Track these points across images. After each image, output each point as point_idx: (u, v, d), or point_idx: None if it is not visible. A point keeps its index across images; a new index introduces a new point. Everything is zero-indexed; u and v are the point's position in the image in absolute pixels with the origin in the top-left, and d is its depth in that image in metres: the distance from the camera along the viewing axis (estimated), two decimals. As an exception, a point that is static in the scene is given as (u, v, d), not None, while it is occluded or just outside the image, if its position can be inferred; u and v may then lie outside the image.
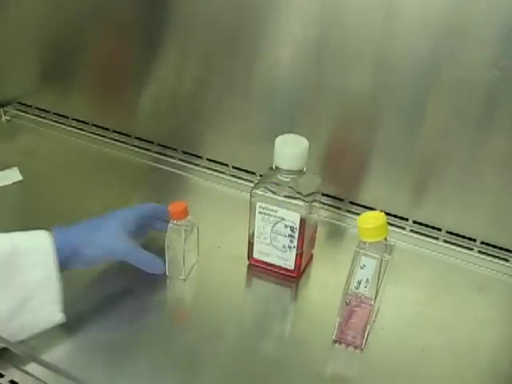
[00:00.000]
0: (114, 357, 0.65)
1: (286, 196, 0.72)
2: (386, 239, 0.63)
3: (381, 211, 0.64)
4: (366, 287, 0.63)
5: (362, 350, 0.67)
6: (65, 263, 0.64)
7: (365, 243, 0.62)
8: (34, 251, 0.62)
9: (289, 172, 0.71)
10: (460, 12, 0.72)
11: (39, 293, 0.62)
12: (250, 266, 0.79)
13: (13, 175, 0.95)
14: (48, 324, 0.64)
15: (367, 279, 0.63)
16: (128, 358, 0.65)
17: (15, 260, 0.61)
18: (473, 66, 0.74)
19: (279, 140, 0.71)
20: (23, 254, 0.61)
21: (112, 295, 0.73)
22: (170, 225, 0.72)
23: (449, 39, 0.74)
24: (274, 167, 0.72)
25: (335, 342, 0.68)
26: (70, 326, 0.66)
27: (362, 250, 0.62)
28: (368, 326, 0.66)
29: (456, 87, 0.76)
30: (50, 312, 0.64)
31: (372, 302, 0.64)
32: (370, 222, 0.61)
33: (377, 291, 0.64)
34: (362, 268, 0.63)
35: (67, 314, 0.64)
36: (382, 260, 0.62)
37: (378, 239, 0.62)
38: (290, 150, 0.70)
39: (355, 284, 0.63)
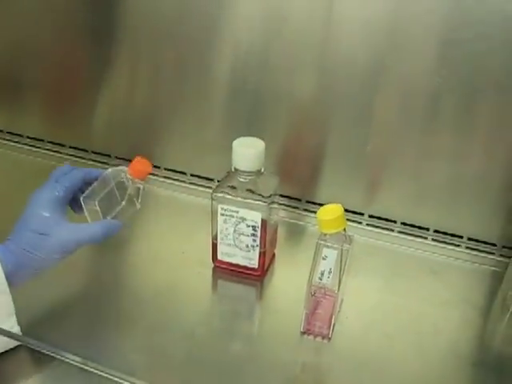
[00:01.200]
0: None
1: (245, 196, 0.74)
2: (344, 230, 0.66)
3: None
4: (328, 277, 0.65)
5: (330, 339, 0.70)
6: (17, 281, 0.63)
7: (325, 235, 0.65)
8: None
9: (247, 173, 0.74)
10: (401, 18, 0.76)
11: None
12: (215, 269, 0.81)
13: (-30, 196, 0.95)
14: (5, 342, 0.63)
15: (330, 269, 0.65)
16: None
17: None
18: (415, 66, 0.78)
19: (236, 142, 0.73)
20: None
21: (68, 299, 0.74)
22: (128, 182, 0.71)
23: (392, 43, 0.78)
24: (232, 169, 0.74)
25: (303, 333, 0.70)
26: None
27: (322, 242, 0.65)
28: (334, 316, 0.68)
29: (400, 88, 0.80)
30: (7, 328, 0.62)
31: (336, 292, 0.66)
32: (329, 213, 0.64)
33: (339, 281, 0.66)
34: (323, 259, 0.65)
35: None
36: (342, 250, 0.65)
37: (337, 230, 0.64)
38: (248, 150, 0.73)
39: (318, 275, 0.66)
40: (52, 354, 0.61)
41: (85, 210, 0.69)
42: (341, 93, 0.84)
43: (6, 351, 0.64)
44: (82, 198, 0.68)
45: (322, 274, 0.66)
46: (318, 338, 0.70)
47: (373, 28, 0.78)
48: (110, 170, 0.70)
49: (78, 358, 0.61)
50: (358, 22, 0.78)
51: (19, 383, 0.63)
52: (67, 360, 0.61)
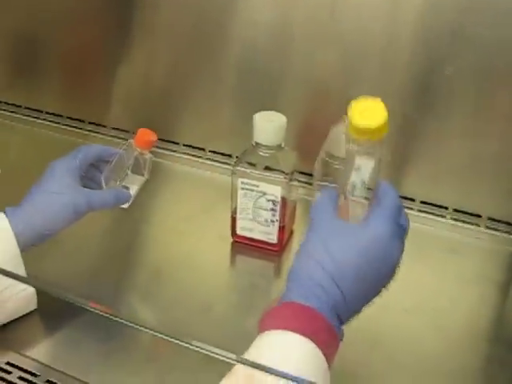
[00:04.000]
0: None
1: (266, 170, 0.74)
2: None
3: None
4: (361, 191, 0.52)
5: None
6: (26, 242, 0.64)
7: (360, 140, 0.50)
8: None
9: (268, 147, 0.74)
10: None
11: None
12: (233, 244, 0.81)
13: (-11, 169, 0.95)
14: (20, 303, 0.64)
15: (363, 182, 0.52)
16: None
17: None
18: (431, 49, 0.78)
19: (258, 116, 0.73)
20: None
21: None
22: (135, 152, 0.72)
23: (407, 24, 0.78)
24: (253, 143, 0.74)
25: None
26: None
27: (356, 148, 0.50)
28: None
29: (417, 69, 0.81)
30: (21, 288, 0.64)
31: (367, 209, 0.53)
32: (367, 115, 0.48)
33: (374, 194, 0.53)
34: (356, 170, 0.52)
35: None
36: (380, 160, 0.51)
37: (377, 138, 0.49)
38: (269, 124, 0.73)
39: (349, 188, 0.52)
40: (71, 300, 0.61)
41: (104, 188, 0.71)
42: (360, 70, 0.84)
43: (21, 317, 0.66)
44: (102, 178, 0.71)
45: (354, 187, 0.52)
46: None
47: (393, 8, 0.78)
48: (123, 147, 0.72)
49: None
50: (378, 6, 0.79)
51: (33, 347, 0.64)
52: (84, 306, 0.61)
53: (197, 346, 0.50)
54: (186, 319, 0.69)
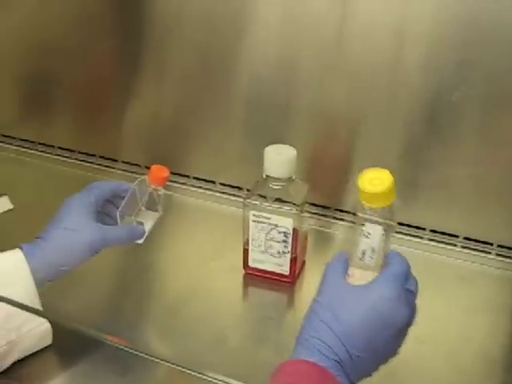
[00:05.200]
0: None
1: (277, 202, 0.75)
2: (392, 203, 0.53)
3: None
4: (371, 258, 0.54)
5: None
6: (43, 278, 0.65)
7: (369, 208, 0.53)
8: (8, 272, 0.63)
9: (279, 180, 0.75)
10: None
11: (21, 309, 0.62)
12: (245, 275, 0.82)
13: (3, 204, 0.96)
14: (36, 339, 0.65)
15: (373, 248, 0.54)
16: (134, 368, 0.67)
17: None
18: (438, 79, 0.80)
19: (269, 149, 0.74)
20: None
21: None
22: (149, 188, 0.73)
23: (416, 55, 0.80)
24: (264, 176, 0.75)
25: None
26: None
27: (366, 216, 0.54)
28: None
29: (424, 99, 0.82)
30: (36, 324, 0.64)
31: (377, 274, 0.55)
32: (375, 183, 0.52)
33: (383, 262, 0.55)
34: (366, 237, 0.54)
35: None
36: (388, 226, 0.54)
37: (385, 205, 0.52)
38: (280, 157, 0.74)
39: (359, 255, 0.55)
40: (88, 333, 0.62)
41: (119, 224, 0.73)
42: (367, 100, 0.85)
43: (36, 352, 0.66)
44: (117, 213, 0.72)
45: (364, 253, 0.54)
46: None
47: (400, 38, 0.79)
48: (136, 182, 0.73)
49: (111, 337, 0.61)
50: (383, 31, 0.80)
51: (48, 382, 0.65)
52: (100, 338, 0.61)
53: (211, 377, 0.50)
54: (200, 351, 0.69)
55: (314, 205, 0.93)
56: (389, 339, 0.51)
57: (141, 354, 0.65)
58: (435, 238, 0.89)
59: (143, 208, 0.74)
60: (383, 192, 0.51)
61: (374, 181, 0.52)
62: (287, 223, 0.75)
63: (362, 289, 0.52)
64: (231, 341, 0.72)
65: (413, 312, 0.53)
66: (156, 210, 0.75)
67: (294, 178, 0.76)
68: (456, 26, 0.77)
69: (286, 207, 0.75)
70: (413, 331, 0.71)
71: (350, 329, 0.50)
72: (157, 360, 0.64)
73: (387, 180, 0.52)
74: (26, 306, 0.61)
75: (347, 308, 0.51)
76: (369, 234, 0.54)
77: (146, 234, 0.74)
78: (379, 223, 0.53)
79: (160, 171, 0.73)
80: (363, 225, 0.54)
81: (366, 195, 0.52)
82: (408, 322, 0.52)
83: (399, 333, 0.52)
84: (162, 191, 0.74)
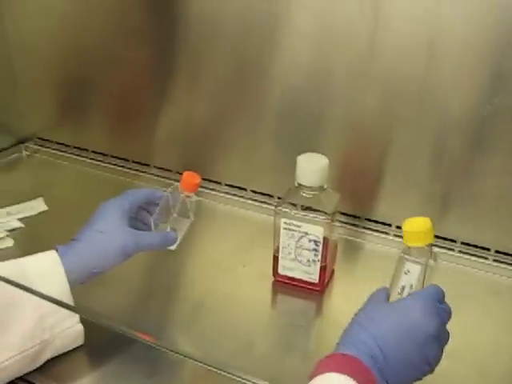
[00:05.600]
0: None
1: (309, 211, 0.75)
2: (431, 245, 0.61)
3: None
4: (409, 294, 0.61)
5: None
6: (76, 279, 0.66)
7: (409, 248, 0.61)
8: (43, 273, 0.64)
9: (311, 189, 0.75)
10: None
11: (54, 309, 0.64)
12: (274, 283, 0.82)
13: (38, 205, 0.99)
14: (68, 339, 0.66)
15: (411, 285, 0.61)
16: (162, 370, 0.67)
17: (27, 282, 0.62)
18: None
19: (301, 158, 0.75)
20: (34, 276, 0.63)
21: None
22: (181, 195, 0.74)
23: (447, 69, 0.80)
24: (296, 185, 0.76)
25: None
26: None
27: (406, 255, 0.61)
28: None
29: (457, 110, 0.81)
30: (69, 325, 0.65)
31: None
32: (415, 225, 0.60)
33: None
34: (405, 274, 0.61)
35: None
36: (426, 266, 0.61)
37: (423, 244, 0.60)
38: (313, 166, 0.74)
39: (398, 290, 0.61)
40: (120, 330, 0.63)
41: (153, 230, 0.74)
42: (399, 110, 0.85)
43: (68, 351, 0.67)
44: (152, 220, 0.74)
45: (403, 289, 0.61)
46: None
47: (432, 47, 0.79)
48: (168, 189, 0.74)
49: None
50: (416, 40, 0.80)
51: (78, 381, 0.66)
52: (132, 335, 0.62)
53: (241, 377, 0.51)
54: (227, 356, 0.69)
55: (344, 214, 0.93)
56: (419, 346, 0.55)
57: (169, 354, 0.66)
58: (466, 250, 0.88)
59: (175, 215, 0.74)
60: (421, 232, 0.59)
61: (415, 223, 0.60)
62: (318, 232, 0.75)
63: (397, 301, 0.59)
64: (259, 347, 0.72)
65: (442, 323, 0.57)
66: (188, 217, 0.76)
67: (325, 186, 0.76)
68: (489, 37, 0.77)
69: (317, 216, 0.75)
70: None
71: (383, 330, 0.55)
72: (185, 358, 0.64)
73: (426, 223, 0.60)
74: (61, 301, 0.63)
75: (382, 314, 0.57)
76: (408, 271, 0.61)
77: (179, 240, 0.75)
78: (418, 262, 0.60)
79: (192, 178, 0.74)
80: (404, 263, 0.61)
81: (407, 235, 0.60)
82: (437, 333, 0.56)
83: (428, 340, 0.56)
84: (193, 198, 0.75)
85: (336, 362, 0.54)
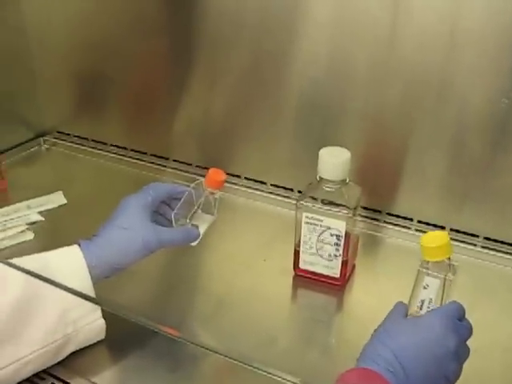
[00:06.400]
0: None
1: (331, 205, 0.75)
2: (449, 259, 0.61)
3: (443, 229, 0.68)
4: (428, 308, 0.61)
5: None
6: (98, 275, 0.66)
7: (428, 262, 0.61)
8: (66, 267, 0.64)
9: (333, 182, 0.74)
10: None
11: (77, 304, 0.64)
12: (295, 277, 0.82)
13: (58, 199, 0.99)
14: (91, 333, 0.66)
15: (430, 299, 0.61)
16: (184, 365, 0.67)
17: (49, 277, 0.62)
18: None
19: (323, 151, 0.74)
20: (57, 271, 0.63)
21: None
22: (205, 192, 0.73)
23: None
24: (317, 178, 0.75)
25: None
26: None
27: (424, 270, 0.61)
28: None
29: (479, 104, 0.80)
30: (91, 319, 0.65)
31: None
32: (433, 240, 0.60)
33: None
34: (425, 288, 0.61)
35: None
36: (445, 280, 0.61)
37: (441, 258, 0.60)
38: (335, 160, 0.73)
39: (418, 304, 0.62)
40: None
41: (174, 225, 0.73)
42: (420, 102, 0.84)
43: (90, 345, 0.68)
44: (173, 215, 0.73)
45: (422, 303, 0.62)
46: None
47: (453, 38, 0.78)
48: (192, 185, 0.73)
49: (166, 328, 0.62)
50: (436, 30, 0.79)
51: (100, 374, 0.66)
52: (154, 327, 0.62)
53: (267, 371, 0.51)
54: (248, 351, 0.69)
55: (364, 208, 0.93)
56: (438, 362, 0.56)
57: (191, 349, 0.66)
58: (488, 245, 0.87)
59: (199, 211, 0.74)
60: (440, 246, 0.59)
61: (433, 238, 0.60)
62: (340, 226, 0.74)
63: (417, 318, 0.60)
64: (279, 342, 0.72)
65: (461, 340, 0.58)
66: (211, 213, 0.75)
67: (347, 180, 0.75)
68: (510, 28, 0.75)
69: (339, 210, 0.74)
70: (468, 341, 0.70)
71: (402, 345, 0.56)
72: (207, 352, 0.64)
73: (444, 237, 0.60)
74: (85, 294, 0.63)
75: (401, 329, 0.58)
76: (427, 285, 0.61)
77: (201, 237, 0.74)
78: (437, 276, 0.61)
79: (217, 175, 0.73)
80: (423, 277, 0.61)
81: (425, 249, 0.60)
82: (456, 349, 0.56)
83: (448, 357, 0.56)
84: (218, 195, 0.74)
85: (358, 375, 0.54)
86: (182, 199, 0.73)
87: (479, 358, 0.68)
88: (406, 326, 0.58)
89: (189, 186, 0.73)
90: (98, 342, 0.68)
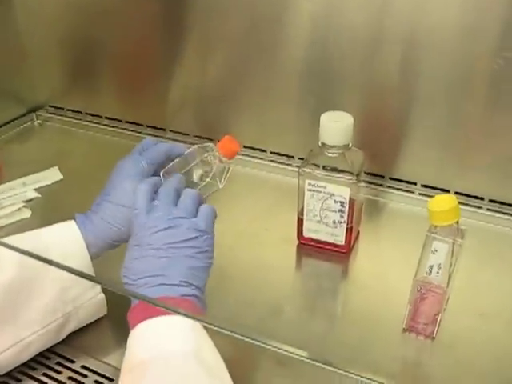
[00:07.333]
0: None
1: (334, 171, 0.73)
2: (457, 223, 0.60)
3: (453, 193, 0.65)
4: (438, 273, 0.61)
5: (434, 338, 0.66)
6: (95, 252, 0.65)
7: (436, 227, 0.60)
8: (64, 244, 0.63)
9: (336, 148, 0.72)
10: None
11: (75, 281, 0.62)
12: (299, 246, 0.80)
13: (53, 175, 0.97)
14: (91, 310, 0.65)
15: (439, 264, 0.61)
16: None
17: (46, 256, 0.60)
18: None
19: (325, 116, 0.72)
20: (53, 248, 0.62)
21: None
22: (215, 160, 0.68)
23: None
24: (319, 144, 0.73)
25: (405, 330, 0.67)
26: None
27: (433, 235, 0.60)
28: (440, 315, 0.65)
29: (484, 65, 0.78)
30: (91, 296, 0.64)
31: (445, 288, 0.63)
32: (441, 204, 0.59)
33: (449, 277, 0.62)
34: (433, 253, 0.61)
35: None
36: (454, 244, 0.60)
37: (449, 222, 0.59)
38: (337, 124, 0.71)
39: (426, 270, 0.62)
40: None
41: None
42: (424, 66, 0.81)
43: (92, 323, 0.67)
44: (161, 173, 0.67)
45: (431, 268, 0.61)
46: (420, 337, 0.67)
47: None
48: (195, 146, 0.69)
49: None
50: None
51: (106, 352, 0.65)
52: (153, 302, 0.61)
53: (274, 346, 0.49)
54: (254, 321, 0.69)
55: (367, 173, 0.91)
56: None
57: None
58: (494, 207, 0.86)
59: (208, 179, 0.69)
60: (448, 210, 0.59)
61: (441, 202, 0.59)
62: (344, 192, 0.73)
63: None
64: (285, 311, 0.71)
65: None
66: (218, 181, 0.70)
67: (350, 145, 0.73)
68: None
69: (342, 176, 0.72)
70: (475, 305, 0.70)
71: None
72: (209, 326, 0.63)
73: (452, 201, 0.59)
74: (85, 273, 0.61)
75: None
76: (436, 250, 0.61)
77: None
78: (446, 241, 0.60)
79: (234, 143, 0.68)
80: (431, 242, 0.61)
81: (433, 214, 0.59)
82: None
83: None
84: (229, 165, 0.69)
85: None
86: (179, 159, 0.68)
87: (486, 320, 0.68)
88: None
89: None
90: (102, 319, 0.67)
